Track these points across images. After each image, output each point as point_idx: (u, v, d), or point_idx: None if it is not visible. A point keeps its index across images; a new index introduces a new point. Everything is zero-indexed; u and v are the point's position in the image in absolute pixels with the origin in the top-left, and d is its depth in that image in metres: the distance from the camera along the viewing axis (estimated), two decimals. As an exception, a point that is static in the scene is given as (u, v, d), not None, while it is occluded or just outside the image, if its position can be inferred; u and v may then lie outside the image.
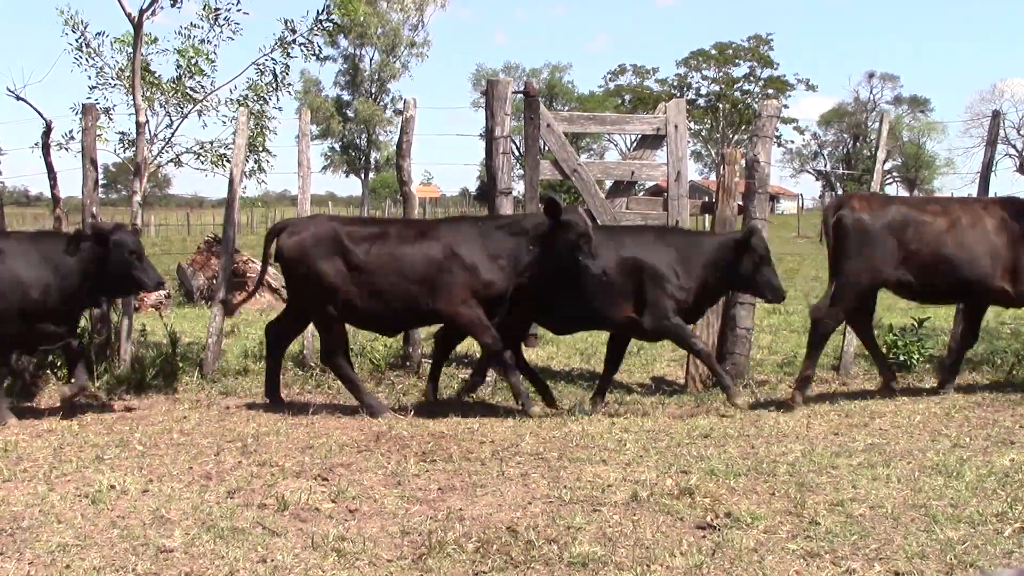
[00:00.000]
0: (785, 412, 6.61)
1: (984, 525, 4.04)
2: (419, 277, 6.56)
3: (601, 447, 5.54)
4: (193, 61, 8.97)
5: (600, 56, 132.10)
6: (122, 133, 9.29)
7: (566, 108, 59.77)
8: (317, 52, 9.40)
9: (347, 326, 6.90)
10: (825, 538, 3.92)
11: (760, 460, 5.17)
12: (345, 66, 59.19)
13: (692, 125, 65.51)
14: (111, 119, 9.14)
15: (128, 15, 8.18)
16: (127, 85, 8.77)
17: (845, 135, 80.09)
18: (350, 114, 59.02)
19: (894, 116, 65.03)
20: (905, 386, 7.56)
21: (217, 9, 8.81)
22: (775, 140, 11.69)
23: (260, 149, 9.62)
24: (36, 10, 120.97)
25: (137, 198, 8.25)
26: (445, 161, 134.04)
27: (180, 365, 7.80)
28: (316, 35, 9.08)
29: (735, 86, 73.21)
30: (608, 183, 8.78)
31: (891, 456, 5.25)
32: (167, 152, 9.19)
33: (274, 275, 14.86)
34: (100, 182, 8.20)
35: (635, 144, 9.25)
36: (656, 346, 9.74)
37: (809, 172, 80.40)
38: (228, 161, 8.65)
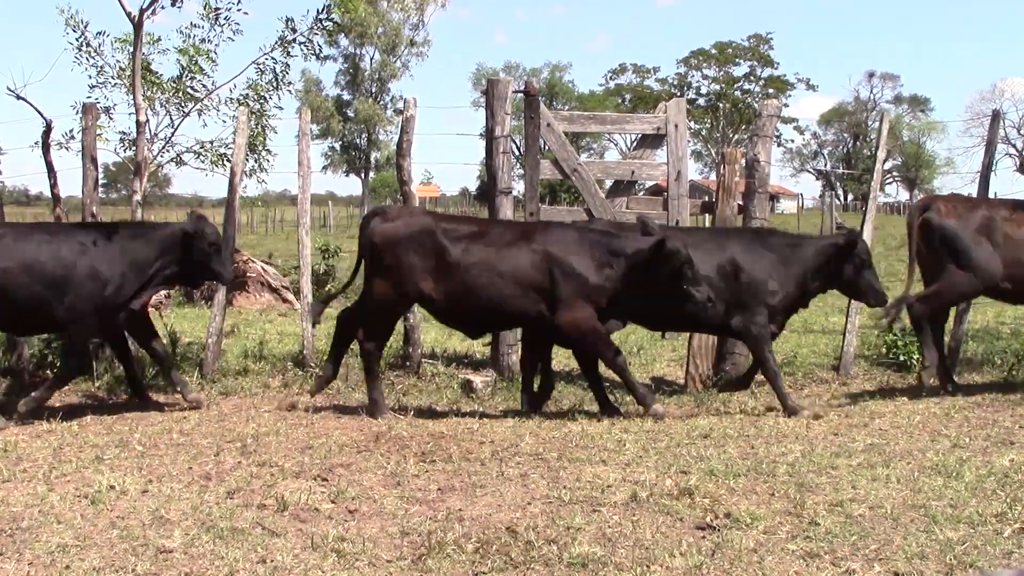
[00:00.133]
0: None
1: (984, 525, 4.04)
2: (521, 281, 6.42)
3: (601, 447, 5.54)
4: (194, 60, 8.98)
5: (600, 56, 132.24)
6: (122, 132, 9.32)
7: (566, 107, 59.74)
8: (317, 51, 9.43)
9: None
10: (825, 538, 3.92)
11: (760, 460, 5.16)
12: (345, 66, 59.19)
13: (692, 124, 65.49)
14: (111, 118, 9.17)
15: (128, 15, 8.19)
16: (127, 84, 8.78)
17: (845, 135, 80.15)
18: (350, 114, 59.00)
19: (894, 116, 65.04)
20: (905, 386, 7.56)
21: (217, 9, 8.83)
22: (775, 140, 11.69)
23: (260, 148, 9.63)
24: (36, 9, 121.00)
25: (137, 197, 8.25)
26: (445, 161, 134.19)
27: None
28: (316, 34, 9.10)
29: (735, 86, 73.18)
30: (608, 183, 8.78)
31: (891, 456, 5.24)
32: (167, 151, 9.21)
33: (274, 275, 14.90)
34: (100, 181, 8.20)
35: (635, 144, 9.25)
36: (656, 346, 9.75)
37: (809, 172, 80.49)
38: (228, 160, 8.65)
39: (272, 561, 3.74)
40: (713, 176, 41.49)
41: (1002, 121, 13.27)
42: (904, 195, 72.21)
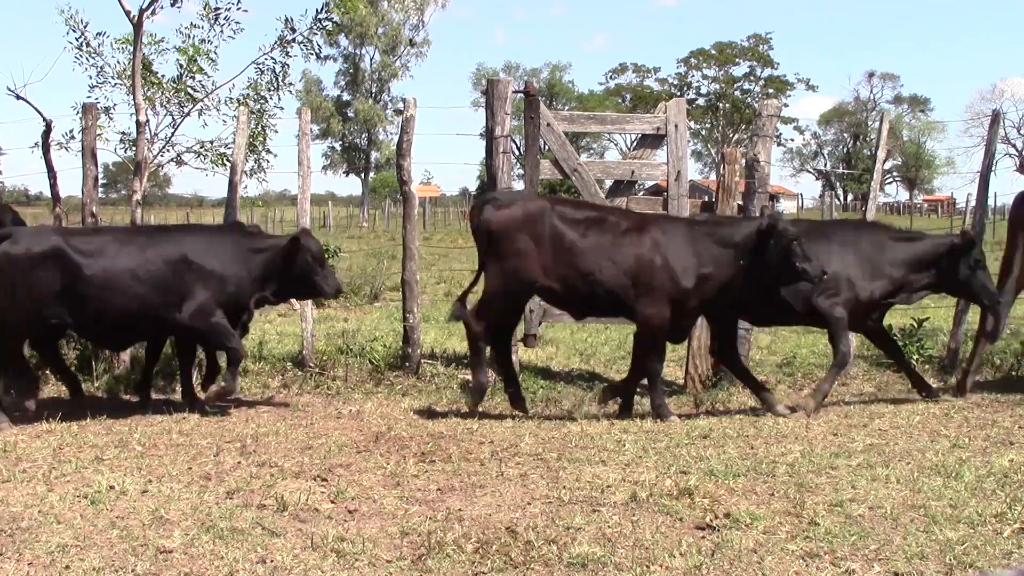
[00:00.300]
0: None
1: (983, 526, 4.04)
2: (627, 271, 6.41)
3: (600, 448, 5.54)
4: (194, 60, 8.97)
5: (600, 56, 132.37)
6: (122, 132, 9.30)
7: (566, 107, 59.78)
8: (317, 51, 9.41)
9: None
10: (824, 539, 3.92)
11: (759, 461, 5.16)
12: (345, 66, 59.14)
13: (692, 124, 65.47)
14: (111, 118, 9.14)
15: (128, 14, 8.18)
16: (127, 84, 8.77)
17: (845, 135, 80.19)
18: (350, 114, 58.93)
19: (894, 116, 65.06)
20: (904, 386, 7.56)
21: (217, 8, 8.82)
22: (775, 139, 11.67)
23: (261, 148, 9.62)
24: (36, 9, 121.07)
25: (137, 197, 8.25)
26: (445, 161, 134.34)
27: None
28: (316, 34, 9.08)
29: (735, 85, 73.23)
30: (608, 182, 8.78)
31: (890, 457, 5.24)
32: (168, 151, 9.20)
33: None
34: (100, 181, 8.20)
35: (635, 143, 9.25)
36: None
37: (809, 172, 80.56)
38: (229, 160, 8.64)
39: (272, 561, 3.74)
40: (713, 176, 41.51)
41: (1002, 121, 13.25)
42: (904, 195, 72.29)
